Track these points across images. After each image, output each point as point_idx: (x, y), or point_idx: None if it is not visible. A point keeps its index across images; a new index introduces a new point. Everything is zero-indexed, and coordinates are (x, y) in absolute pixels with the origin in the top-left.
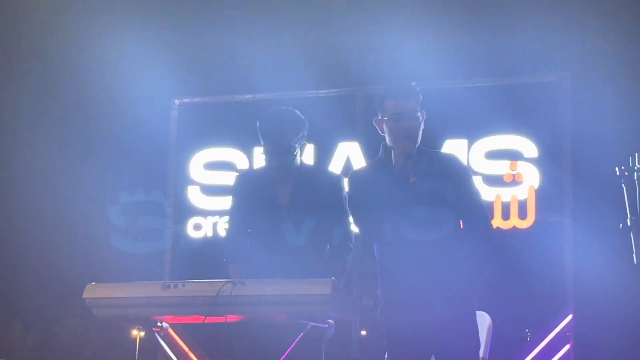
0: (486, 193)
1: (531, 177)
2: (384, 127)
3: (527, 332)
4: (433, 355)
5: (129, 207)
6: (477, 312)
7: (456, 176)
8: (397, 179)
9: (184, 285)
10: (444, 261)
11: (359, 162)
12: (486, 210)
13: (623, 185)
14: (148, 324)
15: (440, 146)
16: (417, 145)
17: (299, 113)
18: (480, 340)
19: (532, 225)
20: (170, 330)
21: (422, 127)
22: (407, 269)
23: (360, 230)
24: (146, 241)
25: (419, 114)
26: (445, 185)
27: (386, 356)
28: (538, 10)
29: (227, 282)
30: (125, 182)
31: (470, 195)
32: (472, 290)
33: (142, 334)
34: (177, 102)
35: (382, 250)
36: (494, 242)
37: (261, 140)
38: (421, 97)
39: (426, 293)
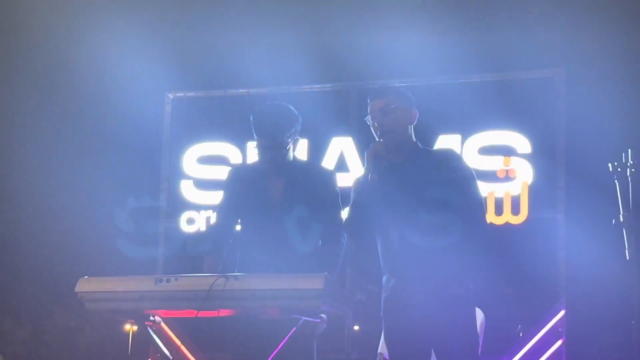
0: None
1: (524, 173)
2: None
3: (519, 328)
4: (433, 350)
5: (135, 213)
6: None
7: (452, 173)
8: (397, 183)
9: (176, 279)
10: (443, 262)
11: (353, 157)
12: (480, 207)
13: (616, 181)
14: (140, 318)
15: (433, 141)
16: (396, 141)
17: (293, 108)
18: None
19: (525, 221)
20: (163, 325)
21: (404, 122)
22: (407, 269)
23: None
24: (152, 246)
25: (393, 107)
26: (448, 189)
27: (384, 350)
28: (532, 6)
29: (219, 276)
30: (117, 176)
31: (465, 192)
32: (470, 287)
33: (135, 328)
34: (170, 96)
35: (384, 247)
36: (486, 239)
37: (254, 135)
38: (406, 95)
39: (425, 292)
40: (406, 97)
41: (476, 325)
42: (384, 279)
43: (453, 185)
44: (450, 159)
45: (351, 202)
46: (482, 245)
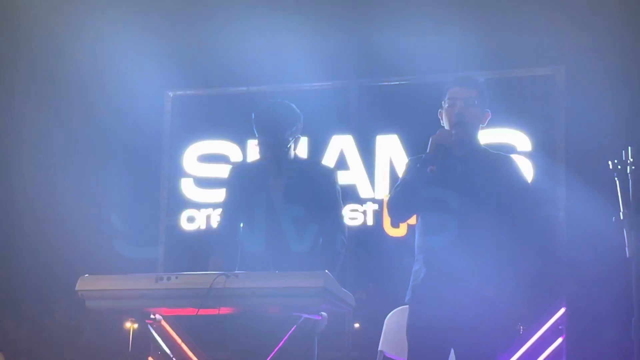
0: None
1: (525, 171)
2: (443, 116)
3: (520, 326)
4: (452, 350)
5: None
6: None
7: (504, 177)
8: (453, 176)
9: (177, 277)
10: (483, 261)
11: (353, 155)
12: (529, 209)
13: (616, 178)
14: (141, 316)
15: None
16: (467, 136)
17: (294, 106)
18: None
19: None
20: (164, 323)
21: (479, 121)
22: (444, 261)
23: None
24: (149, 246)
25: (478, 104)
26: (451, 192)
27: (384, 348)
28: (532, 4)
29: (220, 274)
30: (118, 174)
31: (519, 197)
32: (505, 290)
33: (135, 326)
34: (170, 94)
35: (424, 235)
36: (537, 244)
37: (256, 133)
38: (487, 94)
39: (457, 288)
40: (487, 97)
41: (500, 334)
42: (415, 267)
43: (508, 188)
44: (509, 162)
45: (401, 180)
46: (532, 249)
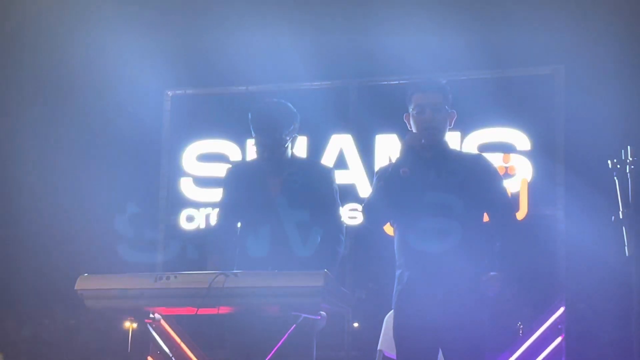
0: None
1: (524, 170)
2: (410, 121)
3: (519, 325)
4: (440, 350)
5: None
6: None
7: (481, 176)
8: (427, 178)
9: (176, 277)
10: (453, 265)
11: (352, 154)
12: (512, 206)
13: (615, 178)
14: (140, 316)
15: None
16: (437, 139)
17: (291, 106)
18: None
19: (524, 218)
20: (163, 322)
21: (448, 123)
22: (428, 264)
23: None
24: (153, 252)
25: (445, 108)
26: (453, 196)
27: (383, 347)
28: (531, 3)
29: (219, 274)
30: (117, 174)
31: (496, 192)
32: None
33: (135, 325)
34: (169, 93)
35: (403, 239)
36: (518, 238)
37: (253, 132)
38: (450, 96)
39: (445, 290)
40: (451, 98)
41: (487, 331)
42: (398, 272)
43: (485, 185)
44: (480, 160)
45: (375, 187)
46: (514, 243)
